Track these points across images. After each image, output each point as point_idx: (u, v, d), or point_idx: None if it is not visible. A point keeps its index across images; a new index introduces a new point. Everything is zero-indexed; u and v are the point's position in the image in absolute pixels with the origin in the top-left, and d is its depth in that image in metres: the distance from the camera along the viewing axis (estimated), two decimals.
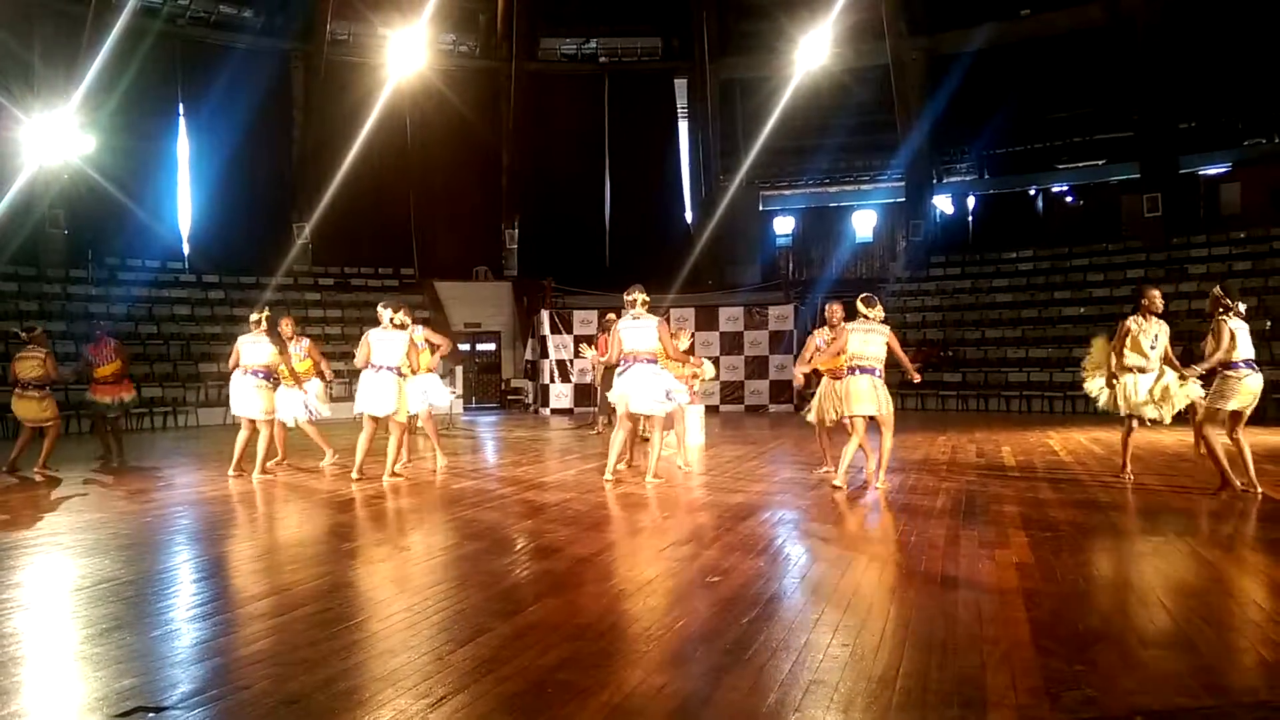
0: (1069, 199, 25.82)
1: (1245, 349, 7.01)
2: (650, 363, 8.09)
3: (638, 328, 8.14)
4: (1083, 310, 20.01)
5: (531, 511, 7.02)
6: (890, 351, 7.77)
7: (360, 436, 8.79)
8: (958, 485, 8.02)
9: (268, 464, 9.68)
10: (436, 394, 9.74)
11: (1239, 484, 7.03)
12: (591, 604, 4.42)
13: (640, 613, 4.18)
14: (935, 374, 19.31)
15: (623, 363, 8.20)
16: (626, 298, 8.23)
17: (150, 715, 3.04)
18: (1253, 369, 7.00)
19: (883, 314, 7.81)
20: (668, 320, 10.68)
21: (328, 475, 9.25)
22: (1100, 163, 24.49)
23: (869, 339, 7.63)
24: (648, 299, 8.22)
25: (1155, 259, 20.78)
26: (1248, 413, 7.11)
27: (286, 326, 9.84)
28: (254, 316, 9.40)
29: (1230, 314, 7.05)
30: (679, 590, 4.68)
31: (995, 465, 9.62)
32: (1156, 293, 7.87)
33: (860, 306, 7.78)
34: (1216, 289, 7.21)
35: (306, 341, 9.96)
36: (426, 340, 9.70)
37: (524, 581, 4.90)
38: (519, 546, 5.83)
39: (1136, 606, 4.27)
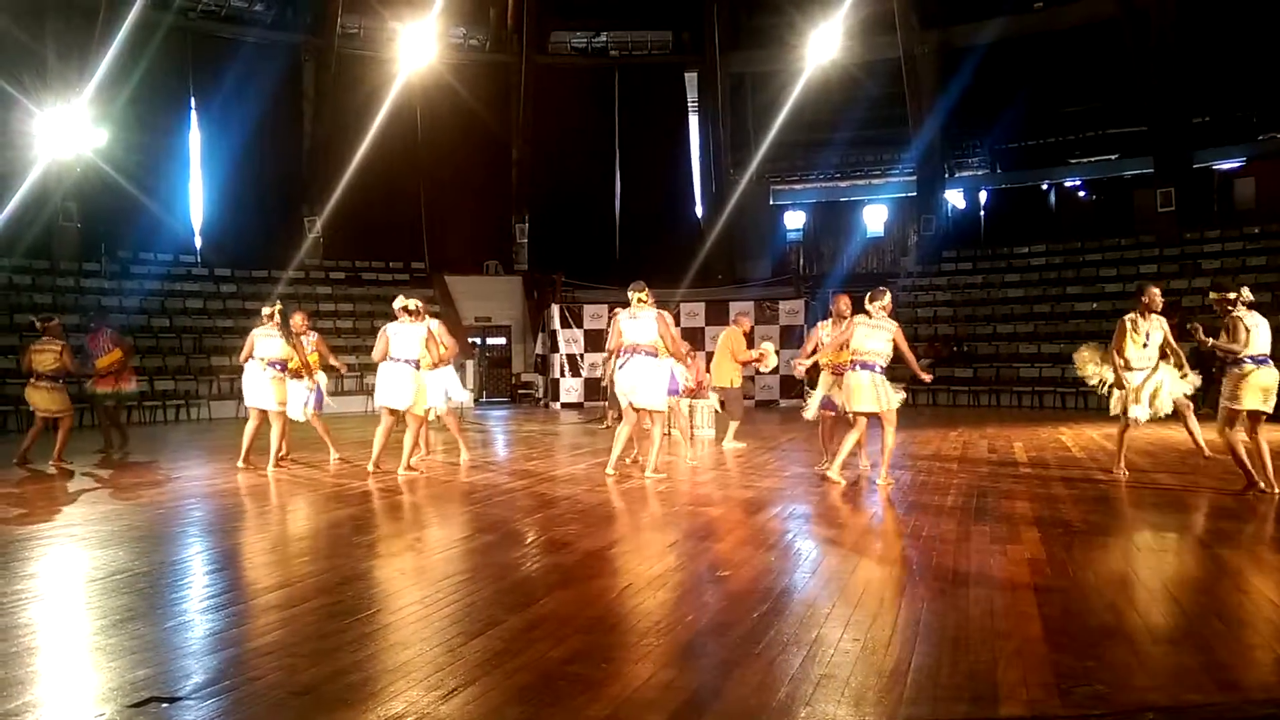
0: (1081, 193, 25.68)
1: (1260, 344, 6.92)
2: (650, 355, 8.13)
3: (637, 320, 8.22)
4: (1095, 305, 19.88)
5: (542, 505, 7.04)
6: (896, 349, 7.74)
7: (378, 429, 8.85)
8: (969, 481, 8.00)
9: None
10: (454, 388, 9.82)
11: (1262, 484, 6.90)
12: (602, 597, 4.43)
13: (650, 606, 4.19)
14: (947, 369, 19.25)
15: (623, 355, 8.27)
16: (629, 294, 8.32)
17: (164, 705, 3.06)
18: (1264, 363, 6.88)
19: (890, 307, 7.80)
20: (676, 316, 10.70)
21: (335, 469, 9.28)
22: (1113, 157, 24.35)
23: (874, 334, 7.61)
24: (647, 297, 8.26)
25: (1168, 254, 20.65)
26: (1268, 409, 6.91)
27: (299, 320, 9.91)
28: (266, 310, 9.44)
29: (1240, 307, 6.98)
30: (689, 584, 4.68)
31: (1007, 461, 9.59)
32: (1156, 290, 7.90)
33: (868, 303, 7.77)
34: (1213, 294, 7.19)
35: (315, 335, 10.06)
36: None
37: (535, 575, 4.91)
38: (530, 540, 5.84)
39: (1148, 603, 4.26)
